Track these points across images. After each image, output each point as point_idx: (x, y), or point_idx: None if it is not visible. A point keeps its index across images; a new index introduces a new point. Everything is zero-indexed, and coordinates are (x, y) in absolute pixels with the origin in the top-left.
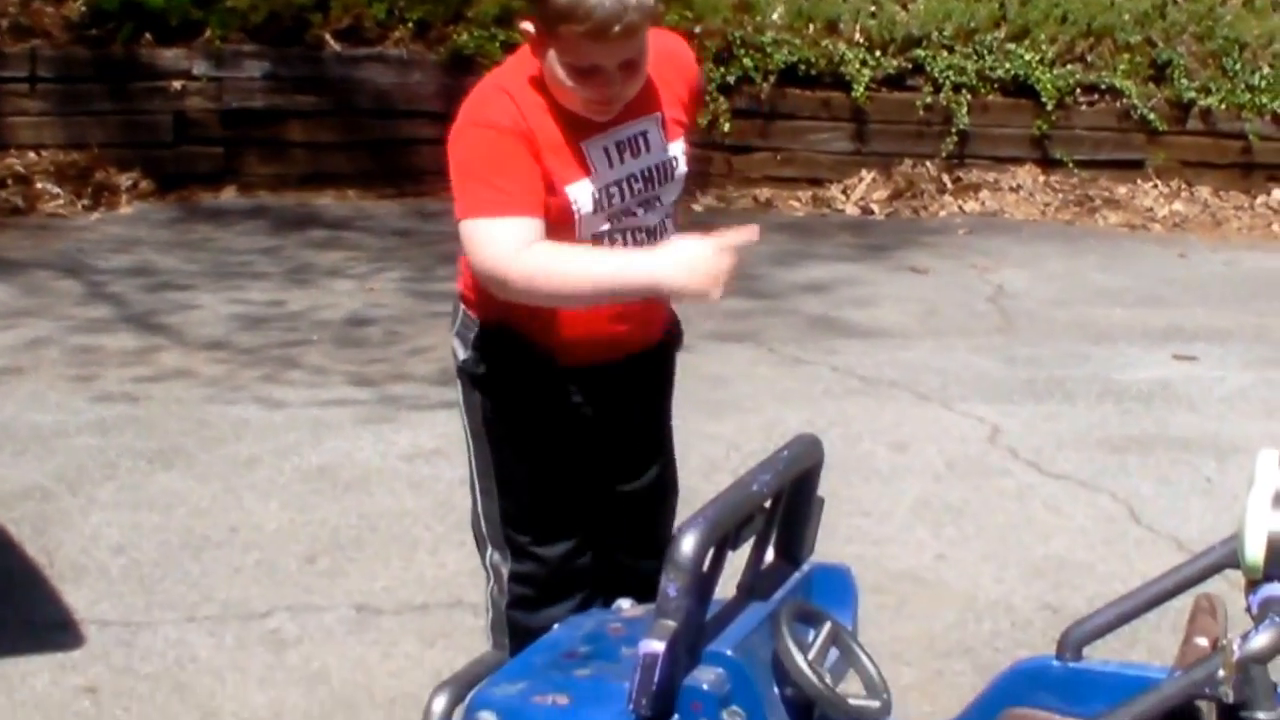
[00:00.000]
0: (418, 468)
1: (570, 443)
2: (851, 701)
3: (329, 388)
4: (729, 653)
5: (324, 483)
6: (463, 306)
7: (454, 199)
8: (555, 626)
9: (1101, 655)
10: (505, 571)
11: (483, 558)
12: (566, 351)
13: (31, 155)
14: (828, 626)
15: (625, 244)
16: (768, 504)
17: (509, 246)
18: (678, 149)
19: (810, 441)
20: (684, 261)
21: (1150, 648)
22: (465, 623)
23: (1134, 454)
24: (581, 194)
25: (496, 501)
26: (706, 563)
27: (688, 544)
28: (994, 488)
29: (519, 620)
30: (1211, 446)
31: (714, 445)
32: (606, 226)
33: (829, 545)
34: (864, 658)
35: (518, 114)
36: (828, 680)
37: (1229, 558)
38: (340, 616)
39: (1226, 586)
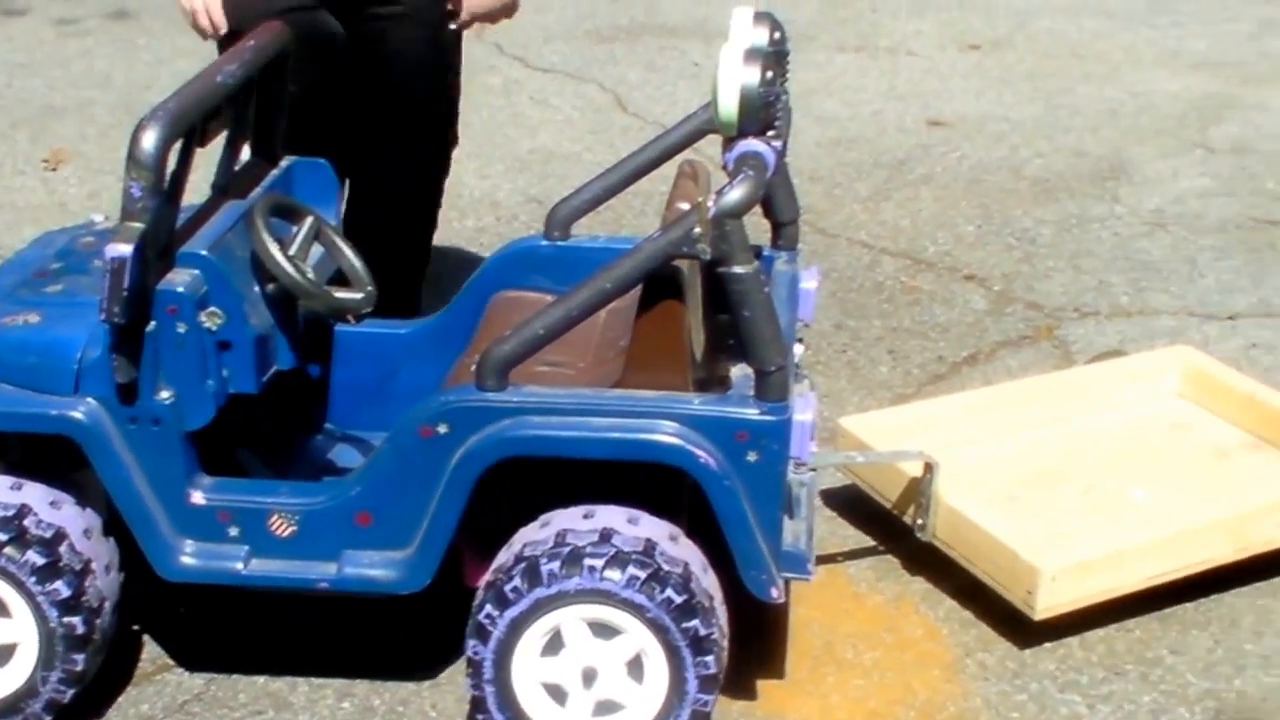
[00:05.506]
0: None
1: None
2: (335, 293)
3: None
4: (204, 252)
5: None
6: None
7: None
8: (24, 246)
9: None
10: None
11: None
12: None
13: None
14: (309, 221)
15: None
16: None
17: None
18: None
19: (278, 29)
20: None
21: (640, 233)
22: None
23: (622, 43)
24: None
25: None
26: (173, 160)
27: (148, 140)
28: (479, 85)
29: None
30: (699, 32)
31: None
32: None
33: None
34: (347, 251)
35: None
36: (308, 274)
37: (709, 122)
38: None
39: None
